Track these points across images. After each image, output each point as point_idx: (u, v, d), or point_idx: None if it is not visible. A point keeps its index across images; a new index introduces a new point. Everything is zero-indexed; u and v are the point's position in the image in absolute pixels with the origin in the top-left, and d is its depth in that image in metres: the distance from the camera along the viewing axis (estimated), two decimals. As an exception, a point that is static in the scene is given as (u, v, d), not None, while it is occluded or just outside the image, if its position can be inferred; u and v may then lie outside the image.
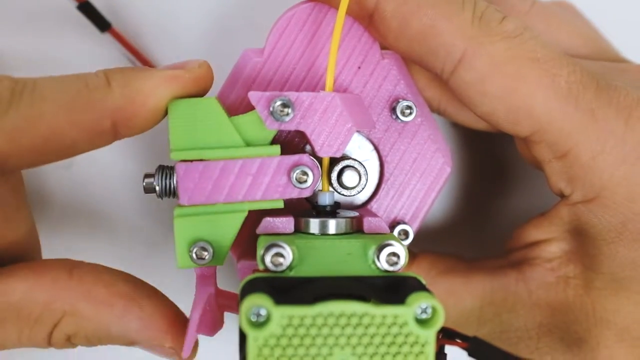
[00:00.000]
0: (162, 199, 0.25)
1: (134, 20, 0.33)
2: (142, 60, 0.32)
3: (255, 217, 0.25)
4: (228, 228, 0.24)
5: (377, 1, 0.24)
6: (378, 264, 0.22)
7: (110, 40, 0.31)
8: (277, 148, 0.24)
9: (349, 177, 0.25)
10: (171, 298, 0.28)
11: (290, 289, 0.21)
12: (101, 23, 0.31)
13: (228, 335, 0.29)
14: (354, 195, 0.25)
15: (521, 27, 0.24)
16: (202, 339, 0.26)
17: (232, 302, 0.26)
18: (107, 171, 0.33)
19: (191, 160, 0.24)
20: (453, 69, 0.24)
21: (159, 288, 0.33)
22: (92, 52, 0.32)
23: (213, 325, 0.25)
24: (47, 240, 0.33)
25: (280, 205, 0.24)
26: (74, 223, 0.33)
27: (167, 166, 0.25)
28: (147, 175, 0.25)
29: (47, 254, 0.33)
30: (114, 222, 0.33)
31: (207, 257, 0.24)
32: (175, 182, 0.24)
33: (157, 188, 0.24)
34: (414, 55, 0.25)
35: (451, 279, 0.28)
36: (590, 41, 0.31)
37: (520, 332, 0.27)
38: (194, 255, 0.24)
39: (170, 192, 0.24)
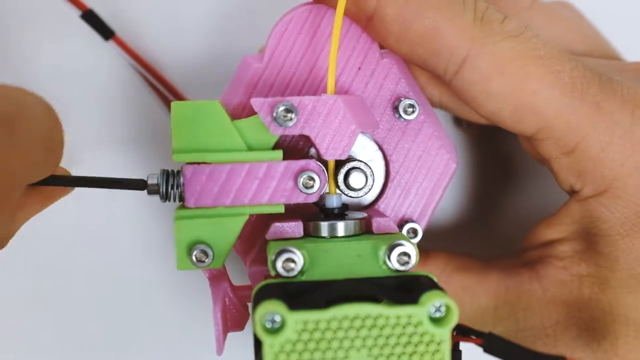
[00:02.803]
0: (164, 201, 0.25)
1: (137, 27, 0.33)
2: (146, 67, 0.32)
3: (265, 222, 0.25)
4: (228, 231, 0.24)
5: (377, 4, 0.24)
6: (389, 264, 0.22)
7: (114, 48, 0.31)
8: (279, 153, 0.24)
9: (356, 179, 0.25)
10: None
11: (303, 294, 0.21)
12: (105, 31, 0.31)
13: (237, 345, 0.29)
14: (361, 196, 0.25)
15: (522, 25, 0.24)
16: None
17: (250, 293, 0.26)
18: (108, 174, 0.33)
19: (198, 163, 0.24)
20: (457, 70, 0.24)
21: (164, 291, 0.33)
22: (96, 61, 0.33)
23: (240, 319, 0.25)
24: (46, 238, 0.33)
25: (281, 210, 0.24)
26: (77, 225, 0.33)
27: (171, 170, 0.25)
28: (150, 177, 0.25)
29: (45, 253, 0.33)
30: (114, 224, 0.33)
31: (206, 260, 0.24)
32: (181, 184, 0.24)
33: (162, 189, 0.24)
34: (416, 57, 0.25)
35: (466, 276, 0.28)
36: (588, 39, 0.31)
37: (537, 330, 0.27)
38: (193, 258, 0.24)
39: (174, 196, 0.24)
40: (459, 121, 0.35)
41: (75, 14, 0.31)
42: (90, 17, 0.31)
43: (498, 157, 0.35)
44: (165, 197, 0.25)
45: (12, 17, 0.32)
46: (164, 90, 0.32)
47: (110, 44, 0.31)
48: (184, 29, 0.33)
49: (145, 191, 0.25)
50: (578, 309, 0.27)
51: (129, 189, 0.25)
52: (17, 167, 0.21)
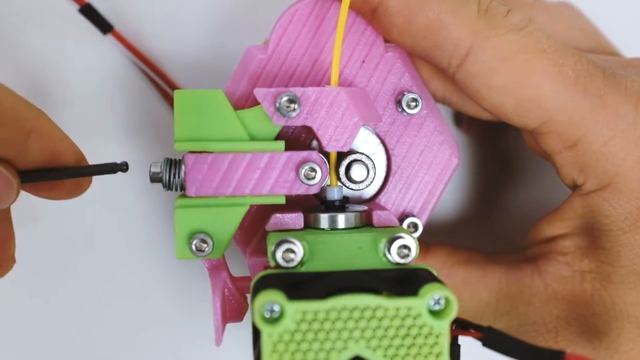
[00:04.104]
0: (167, 190, 0.25)
1: (135, 21, 0.33)
2: (145, 61, 0.32)
3: (265, 214, 0.25)
4: (229, 221, 0.24)
5: None
6: (389, 256, 0.22)
7: (112, 42, 0.31)
8: (281, 144, 0.24)
9: (357, 171, 0.25)
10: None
11: (302, 284, 0.21)
12: (103, 25, 0.31)
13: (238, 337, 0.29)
14: (362, 189, 0.25)
15: (526, 19, 0.24)
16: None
17: (250, 284, 0.26)
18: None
19: (199, 152, 0.24)
20: (460, 62, 0.24)
21: (162, 281, 0.33)
22: (94, 55, 0.33)
23: (239, 310, 0.25)
24: (47, 234, 0.33)
25: (282, 200, 0.24)
26: (74, 217, 0.33)
27: (175, 159, 0.25)
28: (153, 165, 0.25)
29: (45, 248, 0.33)
30: (115, 215, 0.33)
31: (206, 250, 0.24)
32: (182, 173, 0.24)
33: (165, 178, 0.24)
34: (419, 50, 0.25)
35: (467, 271, 0.28)
36: (590, 37, 0.31)
37: (538, 326, 0.27)
38: (193, 247, 0.24)
39: (176, 185, 0.24)
40: (459, 120, 0.35)
41: (73, 8, 0.31)
42: (89, 11, 0.31)
43: (499, 154, 0.35)
44: (168, 186, 0.24)
45: (11, 12, 0.32)
46: (163, 84, 0.32)
47: (109, 38, 0.31)
48: (183, 23, 0.33)
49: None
50: (579, 305, 0.27)
51: (99, 174, 0.25)
52: None
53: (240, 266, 0.29)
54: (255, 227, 0.26)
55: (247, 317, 0.25)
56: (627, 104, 0.25)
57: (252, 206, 0.25)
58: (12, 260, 0.26)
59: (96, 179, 0.32)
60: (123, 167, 0.24)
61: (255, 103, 0.24)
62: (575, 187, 0.27)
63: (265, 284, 0.21)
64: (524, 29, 0.24)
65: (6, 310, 0.33)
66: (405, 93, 0.26)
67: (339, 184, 0.25)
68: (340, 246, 0.23)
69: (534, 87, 0.24)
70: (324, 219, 0.24)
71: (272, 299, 0.20)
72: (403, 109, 0.26)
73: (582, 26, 0.31)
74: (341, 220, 0.24)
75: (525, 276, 0.28)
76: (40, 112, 0.24)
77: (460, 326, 0.22)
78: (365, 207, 0.25)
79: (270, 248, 0.22)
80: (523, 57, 0.24)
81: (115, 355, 0.34)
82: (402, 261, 0.22)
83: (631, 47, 0.32)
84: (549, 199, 0.32)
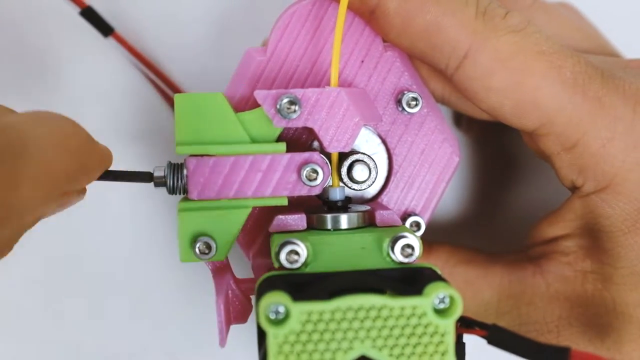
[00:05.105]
0: (171, 193, 0.25)
1: (136, 24, 0.33)
2: (146, 63, 0.32)
3: (267, 215, 0.25)
4: (232, 223, 0.24)
5: None
6: (393, 256, 0.22)
7: (113, 45, 0.31)
8: (282, 145, 0.24)
9: (359, 172, 0.25)
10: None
11: (306, 285, 0.21)
12: (104, 28, 0.31)
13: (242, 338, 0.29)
14: (364, 189, 0.25)
15: (525, 21, 0.24)
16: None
17: (254, 285, 0.26)
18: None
19: (201, 155, 0.24)
20: (458, 64, 0.24)
21: (166, 284, 0.33)
22: (95, 57, 0.33)
23: (243, 311, 0.25)
24: (50, 238, 0.33)
25: (284, 202, 0.24)
26: (78, 221, 0.33)
27: (178, 163, 0.25)
28: (157, 169, 0.25)
29: (48, 251, 0.33)
30: (118, 219, 0.33)
31: (210, 252, 0.24)
32: (184, 176, 0.24)
33: (169, 182, 0.24)
34: (417, 51, 0.25)
35: (469, 270, 0.28)
36: (590, 37, 0.31)
37: (539, 325, 0.27)
38: (197, 250, 0.24)
39: (179, 189, 0.24)
40: (458, 120, 0.35)
41: (74, 11, 0.31)
42: (89, 14, 0.31)
43: (499, 153, 0.35)
44: (173, 190, 0.24)
45: (11, 14, 0.32)
46: (164, 86, 0.32)
47: (110, 40, 0.31)
48: (183, 25, 0.33)
49: (145, 187, 0.25)
50: (581, 305, 0.27)
51: (135, 181, 0.25)
52: (16, 206, 0.19)
53: (243, 268, 0.29)
54: (258, 229, 0.26)
55: (252, 318, 0.25)
56: (625, 106, 0.25)
57: (254, 208, 0.25)
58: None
59: (99, 184, 0.32)
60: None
61: (256, 105, 0.24)
62: (574, 189, 0.27)
63: (269, 285, 0.21)
64: (523, 31, 0.24)
65: (7, 310, 0.33)
66: (405, 92, 0.26)
67: (341, 184, 0.25)
68: (343, 246, 0.23)
69: (532, 89, 0.24)
70: (326, 220, 0.24)
71: (277, 301, 0.20)
72: (403, 108, 0.26)
73: (581, 27, 0.31)
74: (344, 220, 0.24)
75: (527, 276, 0.28)
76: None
77: (465, 324, 0.22)
78: (367, 207, 0.25)
79: (274, 249, 0.22)
80: (521, 58, 0.24)
81: (117, 356, 0.34)
82: (405, 260, 0.22)
83: (631, 48, 0.32)
84: (550, 198, 0.32)
